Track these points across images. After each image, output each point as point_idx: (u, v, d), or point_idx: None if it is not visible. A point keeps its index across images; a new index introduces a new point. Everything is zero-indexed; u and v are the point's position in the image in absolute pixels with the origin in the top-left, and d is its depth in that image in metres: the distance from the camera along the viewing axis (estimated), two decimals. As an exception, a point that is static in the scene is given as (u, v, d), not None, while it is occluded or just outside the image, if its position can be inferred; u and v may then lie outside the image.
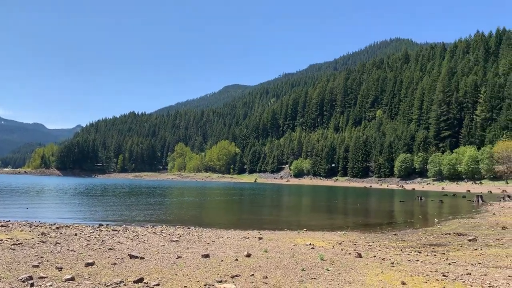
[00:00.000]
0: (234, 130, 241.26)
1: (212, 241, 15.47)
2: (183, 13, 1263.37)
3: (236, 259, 11.26)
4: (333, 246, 15.25)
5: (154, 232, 17.68)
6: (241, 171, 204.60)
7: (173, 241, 14.99)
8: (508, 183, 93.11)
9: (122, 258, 11.02)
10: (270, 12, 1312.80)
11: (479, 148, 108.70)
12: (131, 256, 11.14)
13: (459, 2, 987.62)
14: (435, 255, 13.75)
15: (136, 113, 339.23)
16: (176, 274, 9.25)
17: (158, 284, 8.34)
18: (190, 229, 19.76)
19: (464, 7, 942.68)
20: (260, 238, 16.64)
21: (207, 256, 11.58)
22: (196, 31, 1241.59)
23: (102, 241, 14.38)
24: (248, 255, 11.84)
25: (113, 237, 15.48)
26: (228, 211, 36.68)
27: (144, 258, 11.13)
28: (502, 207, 38.11)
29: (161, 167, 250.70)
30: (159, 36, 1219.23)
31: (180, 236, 16.74)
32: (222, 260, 11.09)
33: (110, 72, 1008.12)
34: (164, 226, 21.09)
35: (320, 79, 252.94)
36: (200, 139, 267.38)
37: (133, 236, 15.95)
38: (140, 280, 8.55)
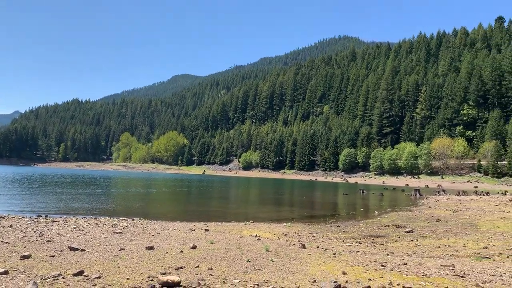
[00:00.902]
0: (183, 121, 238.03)
1: (157, 233, 15.21)
2: (129, 1, 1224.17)
3: (182, 251, 11.15)
4: (279, 238, 15.51)
5: (96, 224, 17.10)
6: (189, 163, 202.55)
7: (116, 233, 14.58)
8: (443, 178, 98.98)
9: (61, 251, 10.56)
10: (224, 3, 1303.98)
11: (418, 145, 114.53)
12: (71, 249, 10.71)
13: (404, 4, 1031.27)
14: (374, 246, 14.37)
15: (80, 100, 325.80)
16: (119, 267, 9.00)
17: (99, 277, 8.08)
18: (135, 221, 19.31)
19: (410, 8, 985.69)
20: (206, 230, 16.58)
21: (151, 248, 11.37)
22: (144, 18, 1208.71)
23: (40, 232, 13.70)
24: (194, 247, 11.76)
25: (52, 229, 14.79)
26: (175, 203, 36.23)
27: (85, 250, 10.73)
28: (437, 200, 40.49)
29: (105, 157, 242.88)
30: (105, 19, 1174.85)
31: (124, 228, 16.32)
32: (167, 252, 10.93)
33: (51, 55, 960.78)
34: (107, 217, 20.46)
35: (270, 73, 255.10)
36: (147, 129, 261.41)
37: (74, 228, 15.34)
38: (80, 273, 8.24)
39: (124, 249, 11.24)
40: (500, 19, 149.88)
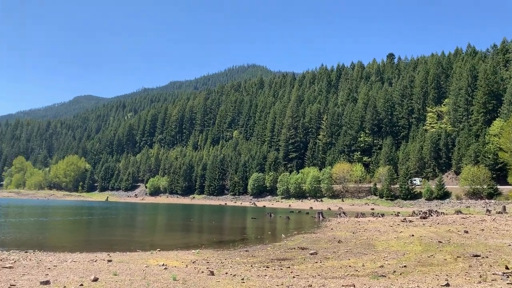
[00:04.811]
0: (85, 144, 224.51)
1: (54, 265, 14.06)
2: (28, 9, 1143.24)
3: (81, 284, 10.44)
4: (187, 265, 15.23)
5: (-19, 259, 15.30)
6: (91, 189, 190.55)
7: (6, 267, 13.19)
8: (344, 201, 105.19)
9: None
10: (130, 23, 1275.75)
11: (320, 169, 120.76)
12: (-51, 289, 9.47)
13: (308, 36, 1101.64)
14: (281, 269, 14.75)
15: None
16: (8, 306, 8.16)
17: (-17, 320, 7.25)
18: (28, 254, 17.64)
19: (314, 41, 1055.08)
20: (109, 261, 15.71)
21: (47, 282, 10.48)
22: (42, 32, 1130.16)
23: None
24: (95, 279, 11.08)
25: None
26: (74, 233, 33.80)
27: (-34, 290, 9.56)
28: (339, 222, 42.85)
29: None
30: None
31: (15, 261, 14.82)
32: (64, 286, 10.17)
33: None
34: (-6, 251, 18.42)
35: (180, 97, 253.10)
36: (45, 153, 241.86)
37: (-47, 265, 13.57)
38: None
39: (14, 285, 10.21)
40: (391, 56, 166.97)
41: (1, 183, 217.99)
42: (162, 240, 26.85)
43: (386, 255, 18.20)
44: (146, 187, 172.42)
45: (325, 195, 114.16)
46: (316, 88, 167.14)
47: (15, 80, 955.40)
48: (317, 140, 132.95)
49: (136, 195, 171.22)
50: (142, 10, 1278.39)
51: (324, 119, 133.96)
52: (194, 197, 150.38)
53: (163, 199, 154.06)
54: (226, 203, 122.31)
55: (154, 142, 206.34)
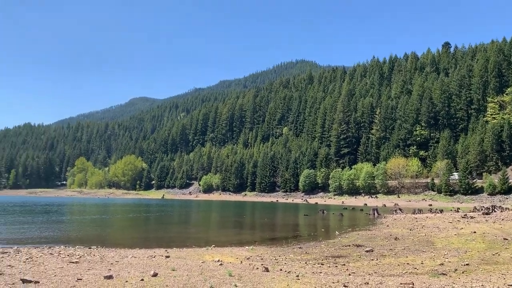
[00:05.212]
0: (141, 145, 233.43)
1: (116, 261, 14.71)
2: (85, 18, 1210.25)
3: (142, 279, 10.84)
4: (241, 262, 15.39)
5: (51, 254, 16.32)
6: (148, 187, 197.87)
7: (73, 262, 13.97)
8: (399, 197, 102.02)
9: (13, 284, 10.00)
10: (180, 26, 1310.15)
11: (374, 165, 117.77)
12: (24, 281, 10.16)
13: (358, 29, 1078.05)
14: (336, 266, 14.53)
15: (32, 124, 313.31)
16: (76, 299, 8.63)
17: (54, 311, 7.71)
18: (92, 249, 18.60)
19: (363, 34, 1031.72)
20: (167, 257, 16.21)
21: (110, 277, 10.98)
22: (99, 39, 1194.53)
23: (-11, 266, 12.92)
24: (155, 275, 11.46)
25: (2, 261, 13.98)
26: (134, 229, 35.20)
27: (39, 282, 10.21)
28: (395, 219, 41.60)
29: (60, 183, 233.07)
30: (58, 41, 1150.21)
31: (80, 257, 15.67)
32: (126, 281, 10.59)
33: (1, 77, 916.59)
34: (62, 246, 19.59)
35: (230, 96, 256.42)
36: (104, 154, 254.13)
37: (27, 259, 14.56)
38: (34, 307, 7.83)
39: (81, 279, 10.79)
40: (446, 45, 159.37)
41: (65, 182, 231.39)
42: (216, 237, 27.34)
43: (446, 253, 17.43)
44: (199, 184, 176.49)
45: (379, 191, 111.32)
46: (367, 81, 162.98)
47: (75, 86, 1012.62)
48: (370, 135, 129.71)
49: (190, 192, 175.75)
50: (191, 14, 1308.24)
51: (377, 113, 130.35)
52: (245, 194, 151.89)
53: (216, 196, 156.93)
54: (277, 200, 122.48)
55: (206, 141, 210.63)
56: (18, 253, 16.40)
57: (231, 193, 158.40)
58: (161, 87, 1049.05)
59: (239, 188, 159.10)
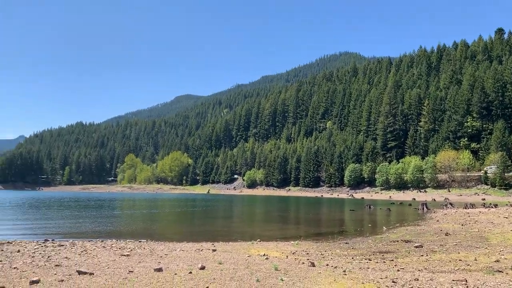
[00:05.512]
0: (186, 141, 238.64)
1: (165, 254, 15.14)
2: (131, 19, 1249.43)
3: (190, 272, 11.07)
4: (287, 256, 15.38)
5: (103, 247, 17.04)
6: (193, 182, 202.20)
7: (124, 255, 14.51)
8: (450, 191, 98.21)
9: (70, 275, 10.52)
10: (222, 22, 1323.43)
11: (423, 158, 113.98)
12: (80, 272, 10.67)
13: (403, 18, 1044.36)
14: (384, 262, 14.21)
15: (84, 123, 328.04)
16: (128, 290, 8.95)
17: (108, 301, 8.03)
18: (142, 243, 19.23)
19: (409, 22, 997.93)
20: (214, 250, 16.48)
21: (160, 270, 11.30)
22: (145, 39, 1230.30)
23: (48, 257, 13.66)
24: (202, 268, 11.68)
25: (59, 253, 14.75)
26: (181, 223, 36.07)
27: (93, 274, 10.68)
28: (445, 214, 40.10)
29: (110, 179, 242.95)
30: (106, 43, 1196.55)
31: (131, 250, 16.25)
32: (175, 274, 10.86)
33: (54, 79, 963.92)
34: (114, 240, 20.39)
35: (272, 91, 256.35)
36: (152, 150, 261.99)
37: (82, 251, 15.29)
38: (90, 297, 8.20)
39: (132, 271, 11.18)
40: (500, 31, 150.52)
41: (115, 178, 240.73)
42: (261, 231, 27.48)
43: (502, 249, 16.59)
44: (243, 179, 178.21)
45: (428, 185, 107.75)
46: (415, 72, 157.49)
47: (123, 86, 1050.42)
48: (418, 127, 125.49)
49: (234, 187, 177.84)
50: (234, 9, 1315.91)
51: (425, 104, 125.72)
52: (289, 189, 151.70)
53: (260, 191, 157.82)
54: (322, 195, 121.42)
55: (249, 136, 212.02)
56: (74, 246, 17.24)
57: (274, 188, 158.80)
58: (205, 84, 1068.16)
59: (283, 183, 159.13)
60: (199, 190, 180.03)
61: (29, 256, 13.85)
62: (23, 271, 10.93)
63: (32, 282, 9.37)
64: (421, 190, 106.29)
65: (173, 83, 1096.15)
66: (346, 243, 20.80)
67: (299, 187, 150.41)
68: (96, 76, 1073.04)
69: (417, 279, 10.56)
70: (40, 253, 14.51)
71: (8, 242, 17.86)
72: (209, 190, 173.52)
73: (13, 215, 39.69)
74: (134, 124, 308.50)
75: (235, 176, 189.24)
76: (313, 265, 12.69)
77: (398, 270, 12.23)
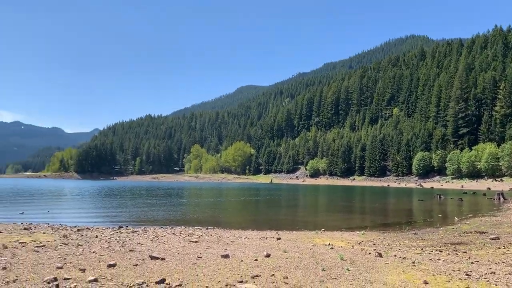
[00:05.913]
0: (249, 131, 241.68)
1: (231, 241, 15.53)
2: (194, 16, 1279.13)
3: (256, 259, 11.29)
4: (353, 246, 15.16)
5: (173, 233, 17.83)
6: (256, 172, 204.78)
7: (193, 241, 15.10)
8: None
9: (143, 259, 11.15)
10: (283, 11, 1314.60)
11: (499, 145, 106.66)
12: (152, 257, 11.26)
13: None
14: (456, 254, 13.55)
15: (153, 116, 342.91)
16: (197, 275, 9.32)
17: (180, 285, 8.42)
18: (209, 230, 19.87)
19: (479, 2, 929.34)
20: (278, 239, 16.64)
21: (226, 256, 11.64)
22: (208, 32, 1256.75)
23: (123, 242, 14.56)
24: (268, 255, 11.86)
25: (133, 239, 15.66)
26: (246, 212, 36.74)
27: (164, 259, 11.24)
28: (525, 204, 37.34)
29: (178, 169, 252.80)
30: (173, 40, 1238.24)
31: (199, 236, 16.86)
32: (241, 261, 11.12)
33: (126, 76, 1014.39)
34: (182, 227, 21.26)
35: (335, 78, 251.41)
36: (216, 141, 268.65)
37: (153, 238, 16.12)
38: (162, 281, 8.64)
39: (201, 257, 11.61)
40: None
41: (183, 168, 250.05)
42: (325, 221, 27.27)
43: None
44: (306, 169, 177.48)
45: (505, 174, 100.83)
46: (489, 53, 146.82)
47: (186, 80, 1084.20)
48: (494, 112, 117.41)
49: (297, 177, 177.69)
50: (291, 4, 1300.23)
51: (501, 87, 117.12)
52: (354, 179, 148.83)
53: (323, 180, 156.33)
54: (388, 185, 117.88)
55: (311, 125, 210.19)
56: (146, 232, 18.21)
57: (338, 178, 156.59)
58: (266, 74, 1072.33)
59: (347, 173, 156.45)
60: (262, 179, 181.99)
61: (106, 241, 14.84)
62: (101, 255, 11.75)
63: (110, 266, 10.05)
64: (496, 179, 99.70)
65: (235, 74, 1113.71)
66: (414, 233, 20.07)
67: (364, 177, 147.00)
68: (165, 74, 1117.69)
69: (494, 273, 9.99)
70: (116, 239, 15.49)
71: (87, 228, 19.26)
72: (272, 179, 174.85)
73: (91, 203, 42.67)
74: (199, 116, 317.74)
75: (298, 165, 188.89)
76: (380, 255, 12.41)
77: (472, 263, 11.63)
